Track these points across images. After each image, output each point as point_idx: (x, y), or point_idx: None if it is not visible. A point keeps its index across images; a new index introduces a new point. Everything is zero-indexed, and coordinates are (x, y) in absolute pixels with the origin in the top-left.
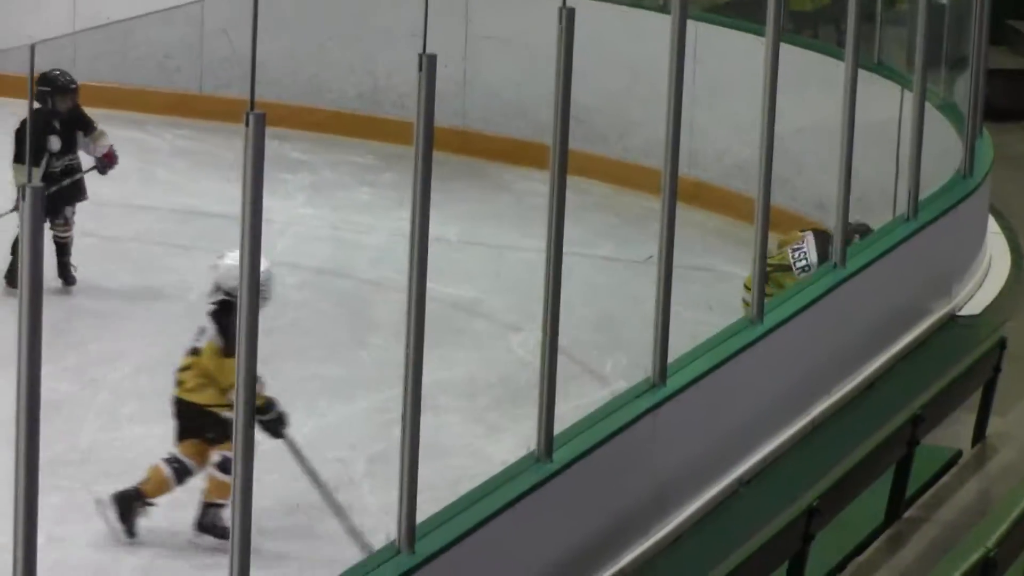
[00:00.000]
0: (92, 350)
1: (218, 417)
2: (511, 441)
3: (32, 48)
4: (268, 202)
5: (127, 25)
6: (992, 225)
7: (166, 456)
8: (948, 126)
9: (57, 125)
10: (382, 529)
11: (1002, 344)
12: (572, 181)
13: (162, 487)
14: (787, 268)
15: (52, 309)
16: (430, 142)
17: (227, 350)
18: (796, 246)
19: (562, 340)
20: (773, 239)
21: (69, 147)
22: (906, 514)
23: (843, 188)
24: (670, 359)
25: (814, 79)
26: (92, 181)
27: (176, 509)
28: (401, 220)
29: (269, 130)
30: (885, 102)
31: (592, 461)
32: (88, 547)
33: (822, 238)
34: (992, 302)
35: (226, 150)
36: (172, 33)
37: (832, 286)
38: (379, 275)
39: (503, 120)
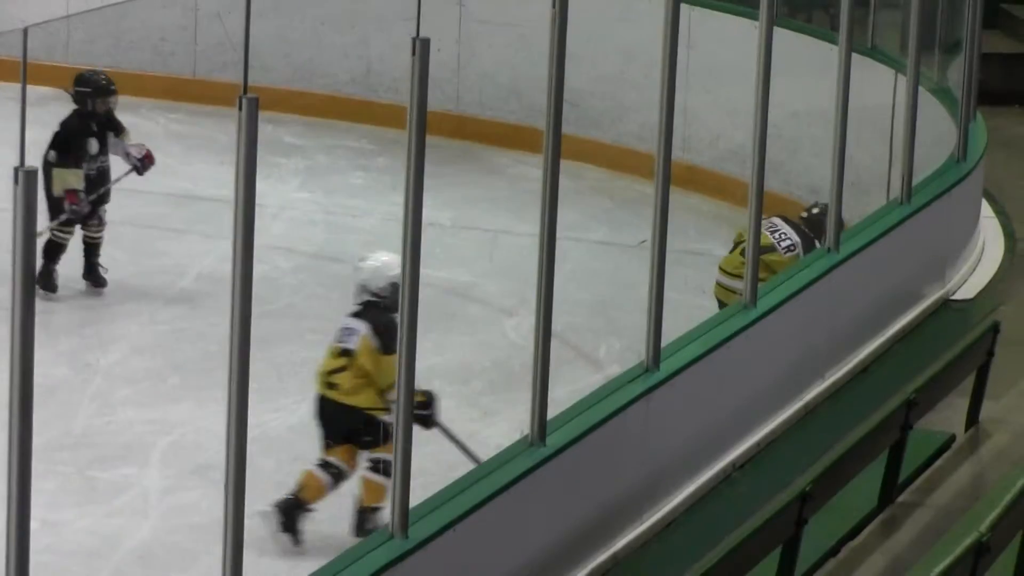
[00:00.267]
0: (86, 334)
1: (376, 420)
2: (505, 425)
3: (25, 32)
4: (262, 186)
5: (121, 9)
6: (986, 209)
7: (318, 462)
8: (942, 110)
9: (95, 127)
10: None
11: (995, 328)
12: (566, 165)
13: (319, 493)
14: (770, 249)
15: (45, 293)
16: (423, 126)
17: (384, 349)
18: (772, 228)
19: (556, 324)
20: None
21: (103, 149)
22: (899, 498)
23: (837, 172)
24: (664, 343)
25: (808, 63)
26: None
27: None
28: (395, 204)
29: (263, 114)
30: (879, 86)
31: (586, 445)
32: (82, 532)
33: (787, 220)
34: (985, 286)
35: (220, 134)
36: (166, 17)
37: (825, 270)
38: None
39: (497, 104)
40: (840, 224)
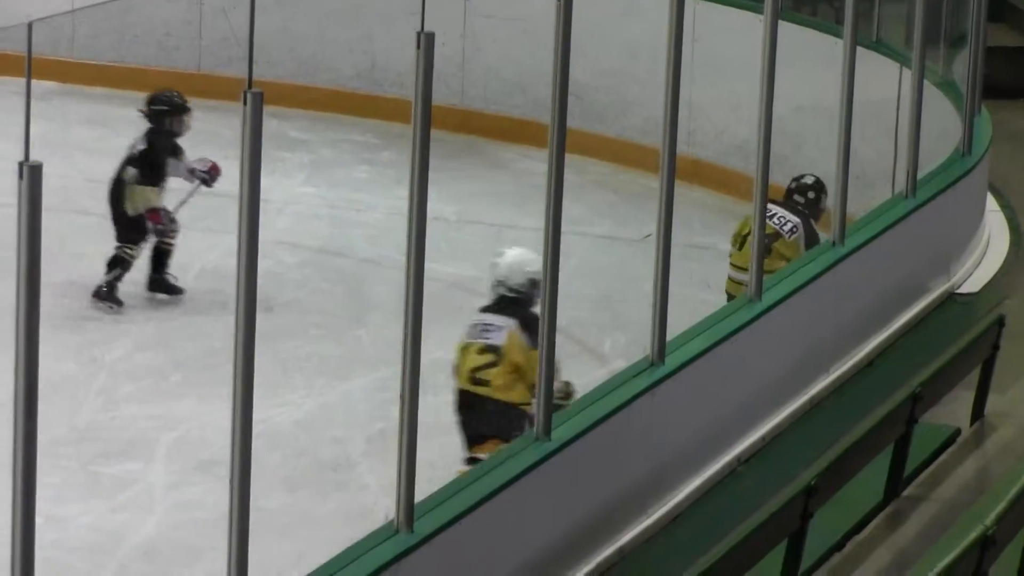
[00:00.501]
0: (90, 329)
1: (527, 415)
2: None
3: (30, 26)
4: (266, 181)
5: (126, 3)
6: (991, 203)
7: (467, 459)
8: (947, 104)
9: (171, 146)
10: (381, 508)
11: (1001, 322)
12: (571, 159)
13: None
14: (775, 236)
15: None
16: (428, 120)
17: (533, 343)
18: (770, 214)
19: (561, 319)
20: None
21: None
22: (905, 492)
23: (841, 166)
24: (668, 337)
25: (813, 57)
26: (85, 157)
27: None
28: (399, 199)
29: (267, 109)
30: (884, 80)
31: (591, 439)
32: (86, 527)
33: (778, 203)
34: (991, 280)
35: (225, 128)
36: (171, 12)
37: (831, 264)
38: (377, 254)
39: (501, 98)
40: (820, 196)
